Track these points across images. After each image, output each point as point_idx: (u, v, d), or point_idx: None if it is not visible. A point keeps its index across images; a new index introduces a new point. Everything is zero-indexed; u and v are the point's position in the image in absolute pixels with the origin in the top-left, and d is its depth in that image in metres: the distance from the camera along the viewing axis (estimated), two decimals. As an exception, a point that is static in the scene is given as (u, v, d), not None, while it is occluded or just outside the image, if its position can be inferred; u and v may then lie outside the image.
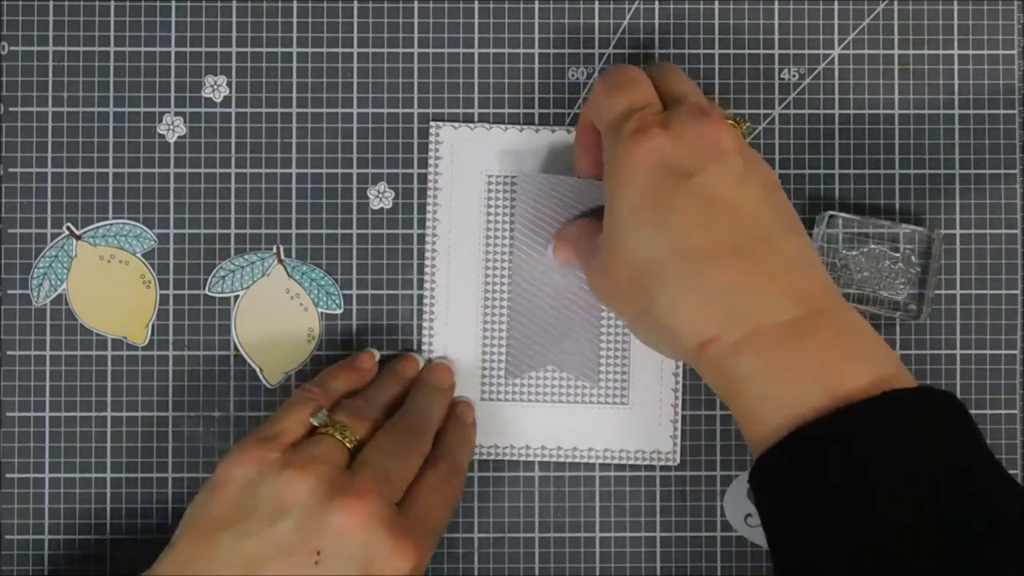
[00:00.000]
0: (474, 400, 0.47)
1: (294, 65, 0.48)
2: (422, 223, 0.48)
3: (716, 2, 0.48)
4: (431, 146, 0.48)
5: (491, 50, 0.48)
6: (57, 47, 0.48)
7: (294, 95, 0.48)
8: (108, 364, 0.48)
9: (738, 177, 0.38)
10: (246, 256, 0.48)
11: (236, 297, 0.48)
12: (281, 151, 0.48)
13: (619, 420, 0.47)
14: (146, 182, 0.48)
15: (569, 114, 0.48)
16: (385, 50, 0.48)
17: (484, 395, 0.48)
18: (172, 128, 0.48)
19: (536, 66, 0.48)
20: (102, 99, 0.48)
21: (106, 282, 0.48)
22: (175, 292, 0.48)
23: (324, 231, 0.48)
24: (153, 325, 0.48)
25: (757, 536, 0.48)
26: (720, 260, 0.37)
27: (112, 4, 0.48)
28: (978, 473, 0.35)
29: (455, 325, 0.48)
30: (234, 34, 0.48)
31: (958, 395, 0.48)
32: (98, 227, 0.48)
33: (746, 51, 0.48)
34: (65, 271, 0.48)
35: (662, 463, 0.48)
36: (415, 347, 0.48)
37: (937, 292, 0.48)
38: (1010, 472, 0.39)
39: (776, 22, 0.48)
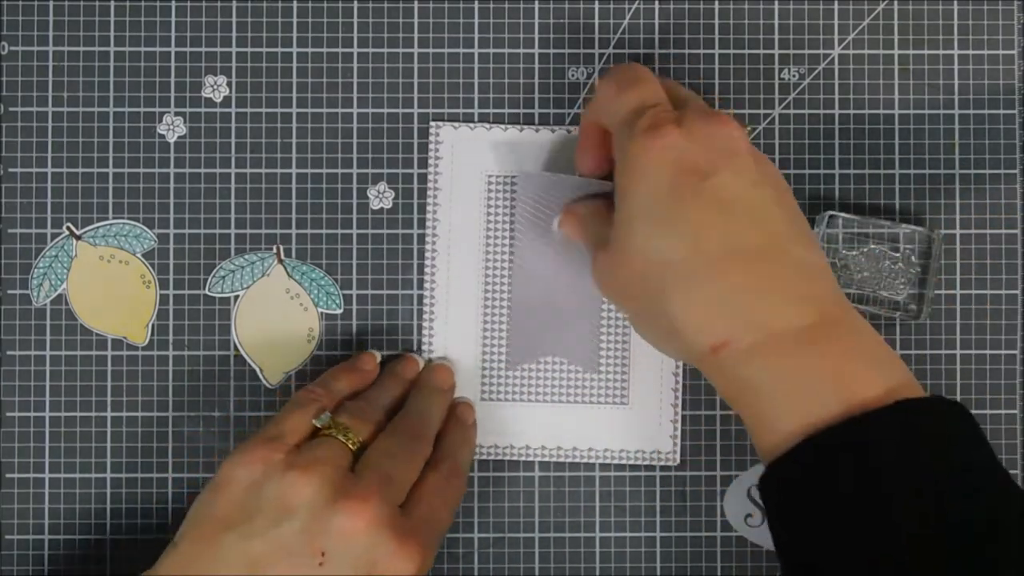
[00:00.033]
0: (474, 400, 0.47)
1: (294, 65, 0.48)
2: (422, 223, 0.48)
3: (716, 2, 0.48)
4: (431, 146, 0.48)
5: (491, 50, 0.48)
6: (57, 47, 0.48)
7: (294, 95, 0.48)
8: (108, 364, 0.48)
9: (752, 180, 0.38)
10: (246, 256, 0.48)
11: (236, 297, 0.48)
12: (281, 151, 0.48)
13: (619, 420, 0.47)
14: (146, 182, 0.48)
15: (569, 114, 0.48)
16: (385, 50, 0.48)
17: (484, 395, 0.48)
18: (172, 128, 0.48)
19: (536, 66, 0.48)
20: (102, 99, 0.48)
21: (106, 282, 0.48)
22: (175, 292, 0.48)
23: (324, 231, 0.48)
24: (153, 325, 0.48)
25: (757, 536, 0.48)
26: (735, 264, 0.37)
27: (112, 4, 0.48)
28: (979, 474, 0.35)
29: (455, 325, 0.48)
30: (234, 34, 0.48)
31: (958, 395, 0.48)
32: (98, 227, 0.48)
33: (746, 51, 0.48)
34: (65, 271, 0.48)
35: (662, 463, 0.48)
36: (415, 347, 0.48)
37: (937, 292, 0.48)
38: (1010, 472, 0.39)
39: (776, 22, 0.48)
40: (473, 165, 0.48)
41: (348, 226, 0.48)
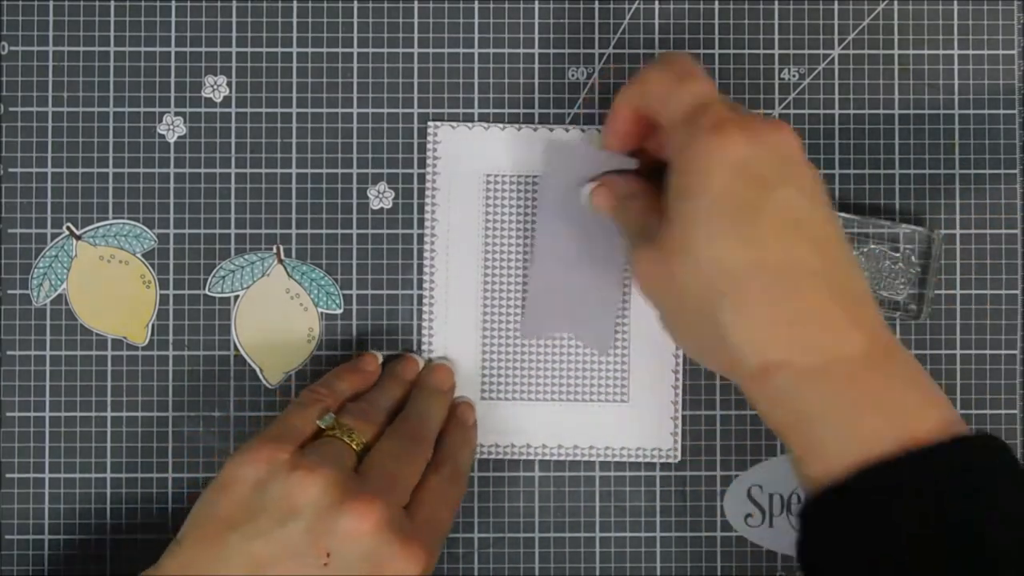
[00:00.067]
0: (474, 399, 0.48)
1: (294, 65, 0.48)
2: (422, 223, 0.48)
3: (716, 2, 0.48)
4: (429, 146, 0.48)
5: (491, 50, 0.48)
6: (57, 47, 0.48)
7: (294, 95, 0.48)
8: (108, 364, 0.48)
9: (813, 198, 0.37)
10: (246, 256, 0.48)
11: (236, 297, 0.48)
12: (281, 151, 0.48)
13: (619, 418, 0.47)
14: (146, 182, 0.48)
15: (569, 114, 0.48)
16: (385, 50, 0.48)
17: (484, 394, 0.48)
18: (172, 128, 0.48)
19: (536, 66, 0.48)
20: (102, 99, 0.48)
21: (106, 282, 0.48)
22: (175, 292, 0.48)
23: (324, 231, 0.48)
24: (153, 325, 0.48)
25: (757, 536, 0.48)
26: (798, 285, 0.36)
27: (112, 4, 0.48)
28: None
29: (455, 324, 0.48)
30: (234, 34, 0.48)
31: (958, 395, 0.48)
32: (98, 227, 0.48)
33: (746, 51, 0.48)
34: (65, 271, 0.48)
35: (662, 460, 0.48)
36: (415, 347, 0.48)
37: (937, 292, 0.48)
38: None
39: (776, 22, 0.48)
40: (471, 165, 0.48)
41: (348, 226, 0.48)
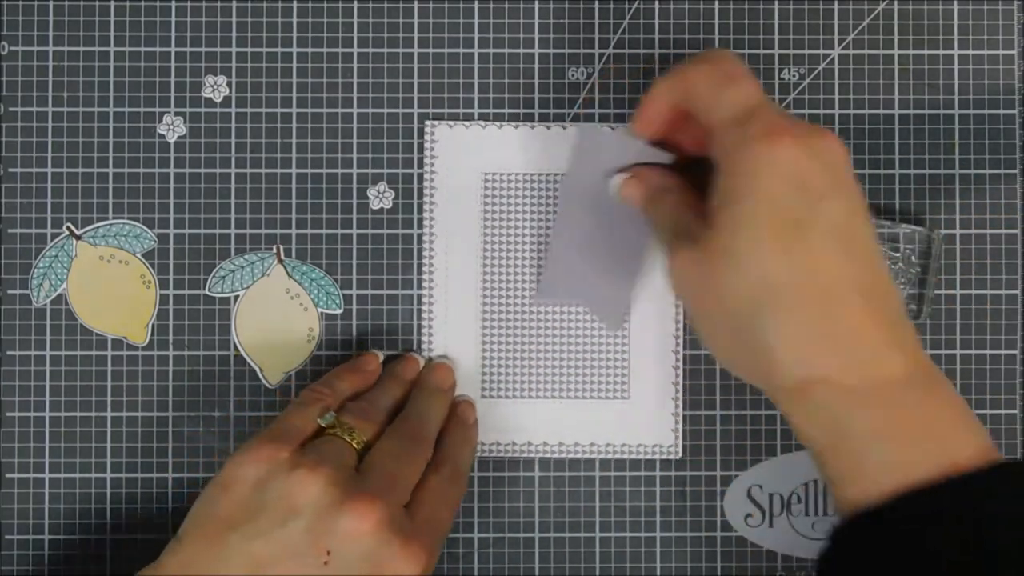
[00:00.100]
0: (475, 397, 0.48)
1: (294, 65, 0.48)
2: (422, 223, 0.48)
3: (716, 2, 0.48)
4: (426, 145, 0.48)
5: (491, 50, 0.48)
6: (57, 47, 0.48)
7: (294, 95, 0.48)
8: (108, 364, 0.48)
9: (858, 209, 0.37)
10: (246, 256, 0.48)
11: (236, 297, 0.48)
12: (281, 151, 0.48)
13: (620, 414, 0.47)
14: (146, 182, 0.48)
15: (569, 114, 0.48)
16: (385, 50, 0.48)
17: (485, 392, 0.48)
18: (172, 128, 0.48)
19: (536, 66, 0.48)
20: (102, 99, 0.48)
21: (106, 282, 0.48)
22: (175, 292, 0.48)
23: (324, 231, 0.48)
24: (153, 325, 0.48)
25: (757, 536, 0.48)
26: (847, 300, 0.36)
27: (112, 4, 0.48)
28: None
29: (455, 323, 0.48)
30: (234, 34, 0.48)
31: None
32: (98, 227, 0.48)
33: (746, 51, 0.48)
34: (65, 271, 0.48)
35: (663, 456, 0.48)
36: (415, 347, 0.48)
37: (937, 292, 0.48)
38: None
39: (776, 22, 0.48)
40: (469, 163, 0.48)
41: (348, 226, 0.48)
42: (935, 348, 0.48)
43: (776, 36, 0.48)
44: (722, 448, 0.48)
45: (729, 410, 0.48)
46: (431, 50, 0.48)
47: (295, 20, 0.48)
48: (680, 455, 0.48)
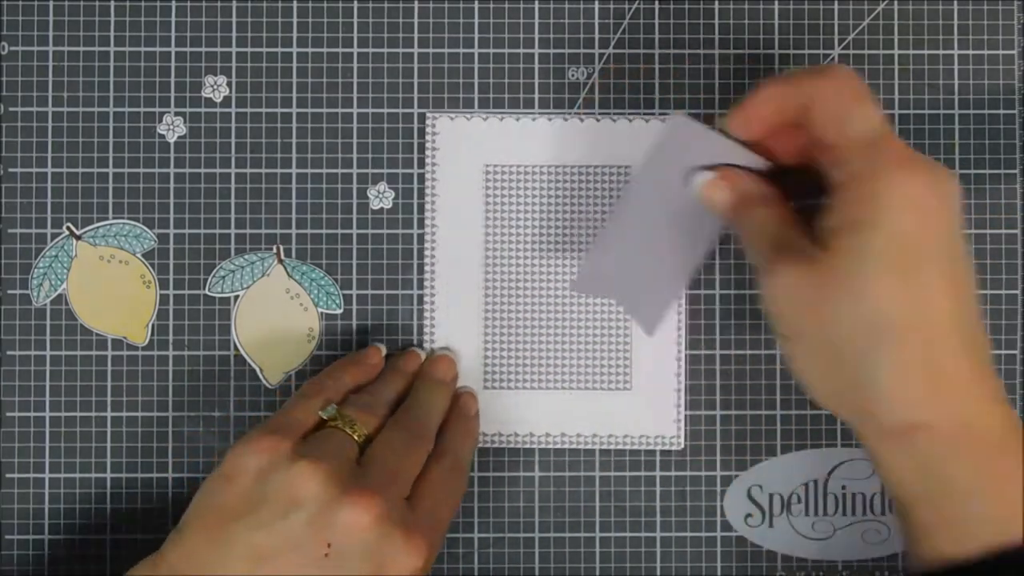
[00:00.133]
0: (477, 389, 0.48)
1: (294, 65, 0.48)
2: (422, 223, 0.48)
3: (716, 2, 0.48)
4: (428, 137, 0.48)
5: (491, 50, 0.48)
6: (57, 47, 0.48)
7: (294, 95, 0.48)
8: (108, 364, 0.48)
9: (965, 250, 0.36)
10: (246, 256, 0.48)
11: (236, 297, 0.48)
12: (281, 151, 0.48)
13: (623, 405, 0.47)
14: (146, 182, 0.48)
15: (569, 114, 0.48)
16: (385, 50, 0.48)
17: (487, 383, 0.48)
18: (172, 128, 0.48)
19: (536, 66, 0.48)
20: (102, 99, 0.48)
21: (106, 282, 0.48)
22: (175, 292, 0.48)
23: (324, 231, 0.48)
24: (153, 325, 0.48)
25: (757, 536, 0.48)
26: (957, 346, 0.35)
27: (112, 4, 0.48)
28: None
29: (457, 314, 0.48)
30: (234, 34, 0.48)
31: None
32: (98, 227, 0.48)
33: (746, 51, 0.48)
34: (65, 271, 0.48)
35: (665, 447, 0.48)
36: (416, 343, 0.48)
37: (937, 292, 0.48)
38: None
39: (776, 22, 0.48)
40: (471, 155, 0.48)
41: (348, 226, 0.48)
42: (935, 348, 0.48)
43: (776, 36, 0.48)
44: (722, 448, 0.48)
45: (729, 410, 0.48)
46: (431, 50, 0.48)
47: (295, 20, 0.48)
48: (682, 446, 0.48)
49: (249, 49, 0.48)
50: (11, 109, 0.48)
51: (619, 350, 0.48)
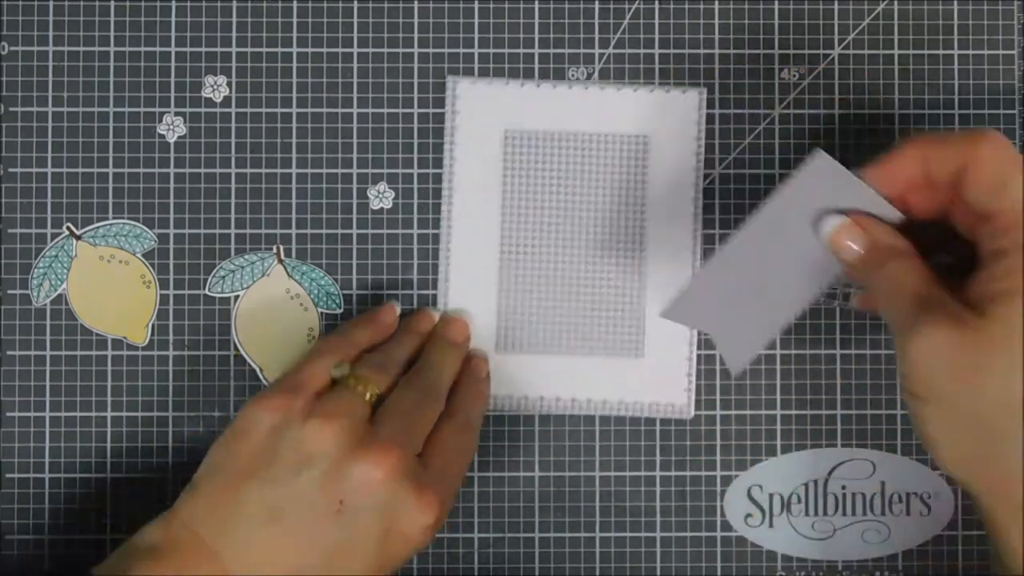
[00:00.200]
0: (490, 351, 0.48)
1: (294, 65, 0.48)
2: (423, 223, 0.48)
3: (716, 2, 0.48)
4: (447, 101, 0.48)
5: (491, 50, 0.48)
6: (57, 47, 0.48)
7: (294, 95, 0.48)
8: (108, 364, 0.48)
9: None
10: (246, 256, 0.48)
11: (236, 297, 0.48)
12: (281, 151, 0.48)
13: (634, 372, 0.47)
14: (146, 182, 0.48)
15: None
16: (385, 50, 0.48)
17: (500, 346, 0.48)
18: (172, 128, 0.48)
19: (536, 66, 0.48)
20: (102, 99, 0.48)
21: (106, 282, 0.48)
22: (175, 292, 0.48)
23: (324, 231, 0.48)
24: (153, 325, 0.48)
25: (757, 536, 0.48)
26: None
27: (112, 4, 0.48)
28: None
29: (472, 277, 0.48)
30: (234, 34, 0.48)
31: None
32: (98, 227, 0.48)
33: (746, 51, 0.48)
34: (65, 271, 0.48)
35: (676, 416, 0.47)
36: (431, 304, 0.48)
37: (937, 292, 0.48)
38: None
39: (776, 22, 0.48)
40: (490, 120, 0.48)
41: (348, 226, 0.48)
42: (935, 348, 0.48)
43: (776, 36, 0.48)
44: (722, 448, 0.48)
45: (729, 410, 0.48)
46: (431, 50, 0.48)
47: (295, 20, 0.48)
48: (692, 415, 0.47)
49: (249, 49, 0.48)
50: (11, 109, 0.48)
51: (633, 317, 0.48)
